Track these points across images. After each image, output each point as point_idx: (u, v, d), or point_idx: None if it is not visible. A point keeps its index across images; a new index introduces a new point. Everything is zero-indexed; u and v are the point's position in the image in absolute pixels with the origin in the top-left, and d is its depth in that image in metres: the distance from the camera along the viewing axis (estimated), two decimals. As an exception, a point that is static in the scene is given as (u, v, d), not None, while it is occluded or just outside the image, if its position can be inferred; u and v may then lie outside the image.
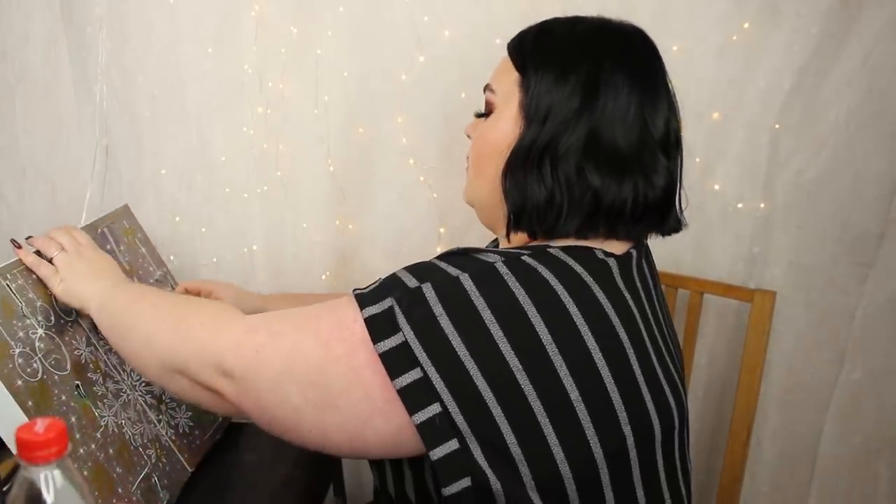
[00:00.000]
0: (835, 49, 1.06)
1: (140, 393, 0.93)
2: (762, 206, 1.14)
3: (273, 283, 1.27)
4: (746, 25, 1.07)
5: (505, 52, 0.76)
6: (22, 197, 1.31)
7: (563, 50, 0.71)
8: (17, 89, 1.25)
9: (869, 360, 1.14)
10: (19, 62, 1.24)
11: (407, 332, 0.61)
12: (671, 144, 0.72)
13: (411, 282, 0.63)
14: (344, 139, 1.20)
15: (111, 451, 0.83)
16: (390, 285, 0.64)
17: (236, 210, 1.26)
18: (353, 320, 0.63)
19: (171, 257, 1.28)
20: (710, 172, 1.14)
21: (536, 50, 0.72)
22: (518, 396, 0.60)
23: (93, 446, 0.80)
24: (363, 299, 0.64)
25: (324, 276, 1.27)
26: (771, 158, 1.12)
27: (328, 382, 0.63)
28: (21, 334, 0.78)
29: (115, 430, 0.85)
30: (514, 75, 0.73)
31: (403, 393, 0.60)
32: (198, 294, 1.06)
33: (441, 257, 0.68)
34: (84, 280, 0.84)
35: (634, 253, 0.72)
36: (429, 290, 0.62)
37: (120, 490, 0.81)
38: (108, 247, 1.00)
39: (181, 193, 1.26)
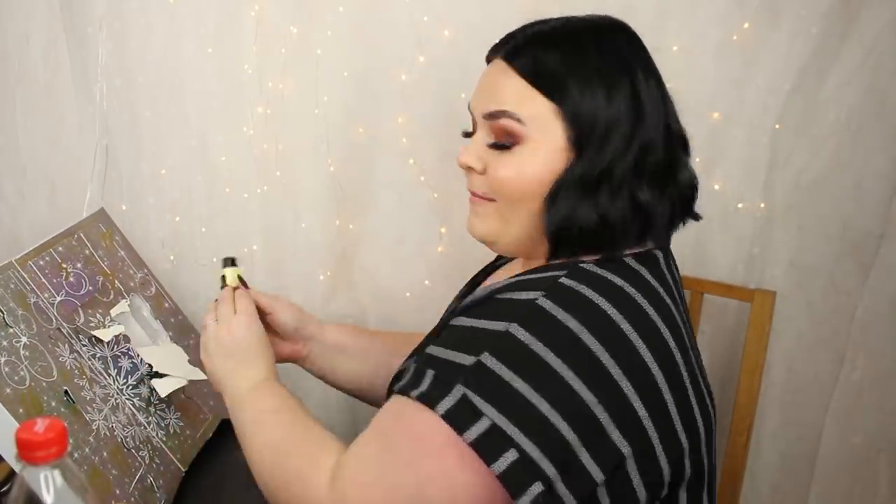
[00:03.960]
0: (835, 49, 1.05)
1: (128, 396, 0.93)
2: (762, 206, 1.14)
3: (273, 283, 1.27)
4: (746, 25, 1.07)
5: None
6: (22, 197, 1.31)
7: (594, 64, 0.67)
8: (17, 89, 1.25)
9: (869, 360, 1.14)
10: (19, 62, 1.24)
11: (491, 413, 0.59)
12: (685, 137, 0.74)
13: (465, 359, 0.61)
14: (344, 139, 1.20)
15: (105, 453, 0.83)
16: (448, 372, 0.61)
17: (236, 210, 1.25)
18: (429, 426, 0.60)
19: (171, 257, 1.28)
20: (710, 172, 1.14)
21: (567, 70, 0.68)
22: (597, 431, 0.60)
23: (87, 450, 0.81)
24: (429, 399, 0.61)
25: (323, 277, 1.27)
26: (771, 158, 1.12)
27: (429, 502, 0.61)
28: (5, 343, 0.79)
29: (107, 433, 0.85)
30: (540, 101, 0.68)
31: (504, 477, 0.59)
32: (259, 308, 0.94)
33: (466, 310, 0.66)
34: (224, 368, 0.82)
35: (660, 253, 0.72)
36: (489, 360, 0.60)
37: (118, 492, 0.81)
38: (87, 251, 1.01)
39: (181, 193, 1.26)
